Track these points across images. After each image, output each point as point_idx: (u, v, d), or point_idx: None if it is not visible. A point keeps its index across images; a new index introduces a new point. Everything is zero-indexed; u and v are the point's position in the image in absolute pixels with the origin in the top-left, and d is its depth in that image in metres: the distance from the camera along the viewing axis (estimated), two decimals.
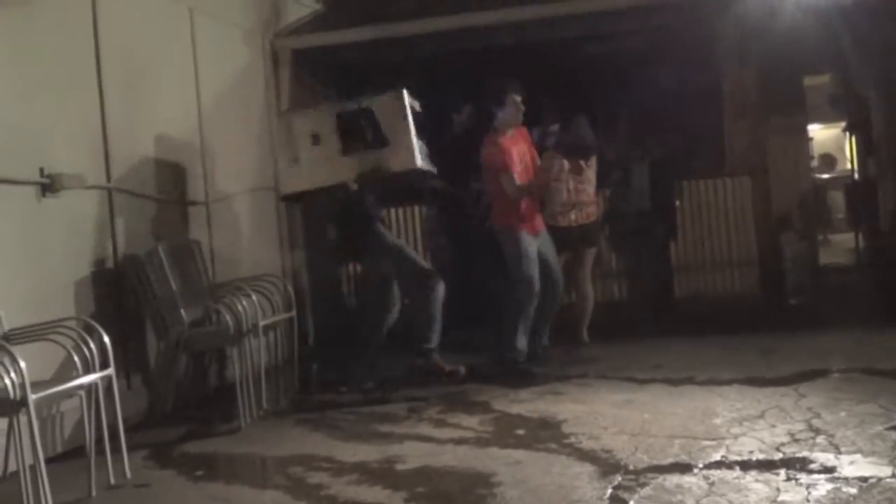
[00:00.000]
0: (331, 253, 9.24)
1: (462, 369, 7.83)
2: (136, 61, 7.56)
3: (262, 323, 7.21)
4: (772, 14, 9.27)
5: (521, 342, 8.07)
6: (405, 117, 7.68)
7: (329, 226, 8.74)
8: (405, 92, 7.72)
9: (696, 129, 11.16)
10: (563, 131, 9.39)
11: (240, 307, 7.07)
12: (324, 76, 10.53)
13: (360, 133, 7.64)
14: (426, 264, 8.01)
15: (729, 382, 7.05)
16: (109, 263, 7.09)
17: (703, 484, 4.87)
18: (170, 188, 7.96)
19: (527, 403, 6.98)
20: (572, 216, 9.12)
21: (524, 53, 10.45)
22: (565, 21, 9.70)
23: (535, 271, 8.05)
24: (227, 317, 7.05)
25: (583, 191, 9.18)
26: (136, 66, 7.57)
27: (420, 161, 7.73)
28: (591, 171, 9.23)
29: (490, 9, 9.74)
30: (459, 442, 6.12)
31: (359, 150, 7.64)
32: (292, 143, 7.72)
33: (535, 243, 8.18)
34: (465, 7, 9.77)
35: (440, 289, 7.75)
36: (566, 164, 8.85)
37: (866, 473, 4.83)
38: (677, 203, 10.43)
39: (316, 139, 7.66)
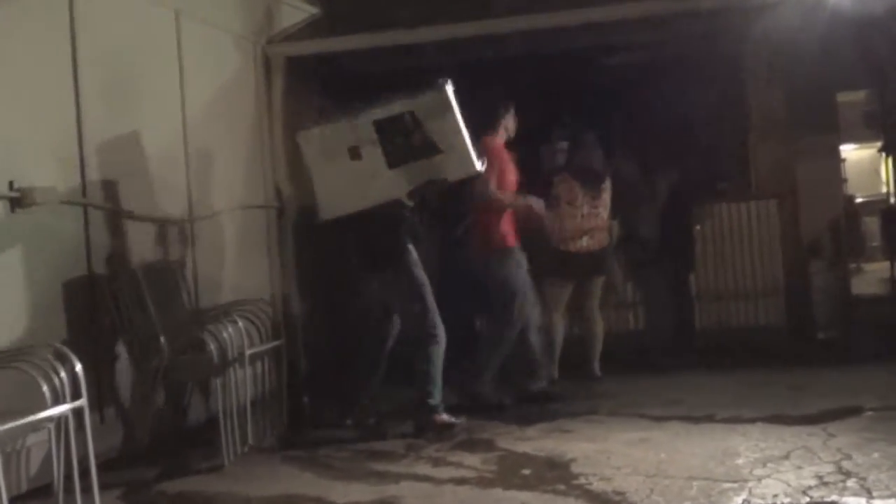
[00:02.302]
0: (346, 261, 9.07)
1: (460, 421, 7.68)
2: (116, 68, 7.53)
3: (248, 352, 7.16)
4: (802, 25, 9.23)
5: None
6: (454, 116, 7.46)
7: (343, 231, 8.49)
8: (449, 86, 7.50)
9: (719, 149, 11.17)
10: (573, 152, 9.37)
11: (225, 334, 7.02)
12: (320, 86, 10.52)
13: (405, 141, 7.42)
14: (436, 316, 7.70)
15: (752, 420, 7.02)
16: (84, 285, 7.02)
17: None
18: (151, 204, 7.92)
19: (533, 441, 6.95)
20: (584, 242, 9.11)
21: (536, 64, 10.47)
22: (580, 31, 9.67)
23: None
24: (211, 345, 7.00)
25: (596, 215, 9.18)
26: (117, 72, 7.54)
27: (480, 164, 7.61)
28: (606, 195, 9.22)
29: (500, 16, 9.71)
30: (460, 482, 6.07)
31: (407, 160, 7.43)
32: (326, 160, 7.44)
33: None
34: (474, 15, 9.75)
35: (443, 344, 7.65)
36: (579, 187, 8.89)
37: None
38: (698, 228, 10.39)
39: (355, 153, 7.40)
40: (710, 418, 7.22)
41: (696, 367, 9.23)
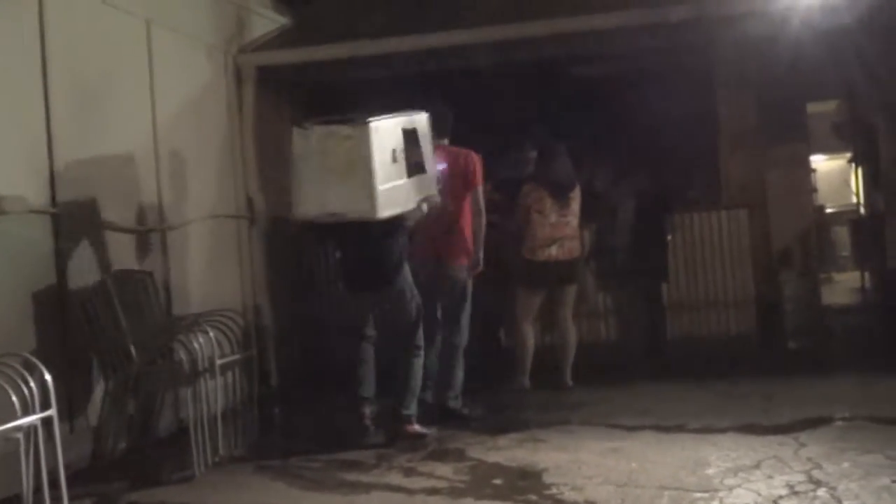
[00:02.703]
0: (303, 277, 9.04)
1: (430, 432, 7.67)
2: (86, 76, 7.52)
3: (219, 362, 7.15)
4: (772, 35, 9.29)
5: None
6: (428, 141, 7.68)
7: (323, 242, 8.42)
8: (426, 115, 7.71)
9: (690, 159, 11.23)
10: (541, 161, 9.38)
11: (196, 344, 7.01)
12: (291, 96, 10.52)
13: (413, 155, 7.48)
14: (422, 330, 7.75)
15: (723, 430, 7.04)
16: (53, 295, 7.01)
17: None
18: (121, 214, 7.90)
19: (505, 451, 6.95)
20: (552, 251, 9.13)
21: (507, 74, 10.50)
22: (550, 41, 9.69)
23: None
24: (182, 354, 6.99)
25: (566, 224, 9.20)
26: (87, 81, 7.53)
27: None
28: (575, 204, 9.24)
29: (471, 27, 9.73)
30: (432, 492, 6.08)
31: (413, 173, 7.47)
32: (378, 156, 7.16)
33: None
34: (445, 25, 9.77)
35: (422, 356, 7.70)
36: (548, 196, 8.93)
37: None
38: (669, 237, 10.42)
39: (394, 155, 7.31)
40: (681, 428, 7.24)
41: (668, 376, 9.23)
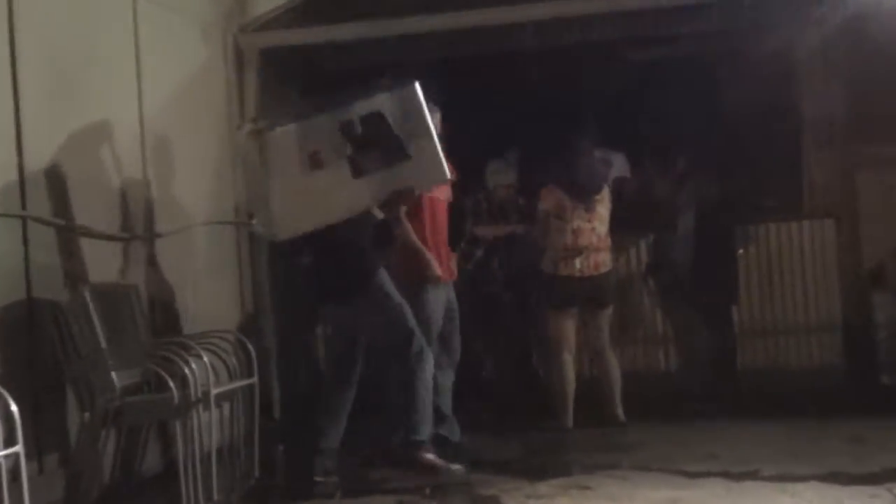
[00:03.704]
0: (302, 292, 9.06)
1: (455, 468, 7.63)
2: (62, 59, 7.54)
3: (214, 391, 7.16)
4: (865, 15, 9.25)
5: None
6: (424, 118, 7.53)
7: (300, 254, 8.45)
8: (417, 86, 7.56)
9: (766, 160, 11.17)
10: (562, 159, 9.38)
11: (187, 371, 7.03)
12: (298, 81, 10.55)
13: (372, 146, 7.38)
14: (421, 339, 7.72)
15: (804, 479, 6.99)
16: (22, 311, 7.02)
17: None
18: (103, 218, 7.93)
19: (546, 500, 6.94)
20: (577, 265, 9.11)
21: (549, 59, 10.49)
22: (600, 21, 9.71)
23: None
24: (171, 383, 7.00)
25: (591, 231, 9.17)
26: (63, 65, 7.55)
27: (448, 172, 7.70)
28: (602, 209, 9.22)
29: (507, 4, 9.74)
30: None
31: (375, 168, 7.39)
32: (281, 169, 7.26)
33: None
34: (476, 2, 9.78)
35: (429, 367, 7.66)
36: (567, 199, 8.94)
37: None
38: (740, 252, 10.39)
39: (316, 161, 7.27)
40: (753, 475, 7.20)
41: (738, 414, 9.20)
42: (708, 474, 7.31)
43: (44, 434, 7.00)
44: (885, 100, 10.45)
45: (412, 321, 7.63)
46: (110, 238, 8.01)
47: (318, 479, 7.57)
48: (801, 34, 10.46)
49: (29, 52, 7.15)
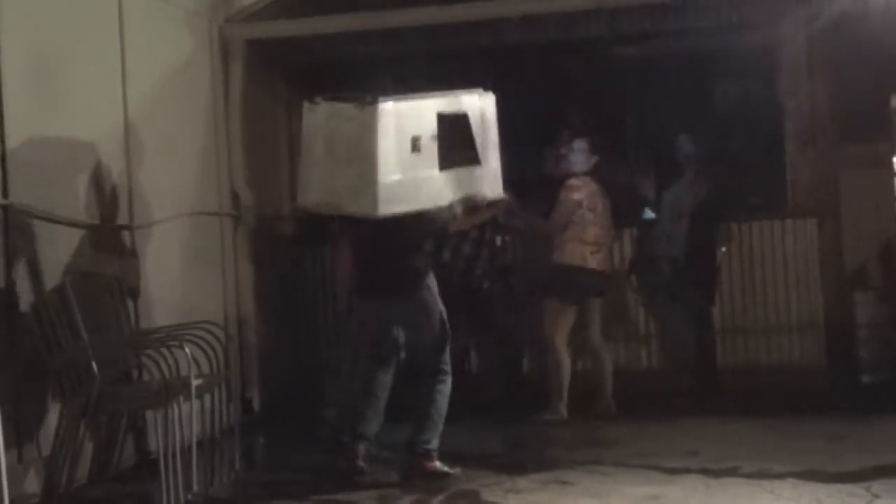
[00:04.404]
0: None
1: (455, 472, 7.59)
2: (46, 48, 7.53)
3: (195, 382, 7.12)
4: (850, 14, 9.25)
5: None
6: (493, 129, 7.57)
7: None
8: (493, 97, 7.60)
9: (749, 158, 11.17)
10: (592, 155, 9.42)
11: (168, 362, 7.00)
12: (286, 74, 10.53)
13: (457, 144, 7.37)
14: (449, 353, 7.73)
15: (782, 476, 7.00)
16: (2, 301, 7.01)
17: None
18: (85, 208, 7.91)
19: (526, 494, 6.95)
20: (599, 257, 9.24)
21: (539, 55, 10.49)
22: (590, 17, 9.71)
23: None
24: (152, 373, 6.98)
25: (611, 228, 9.29)
26: (47, 54, 7.54)
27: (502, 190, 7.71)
28: (602, 204, 9.31)
29: None
30: None
31: (455, 165, 7.36)
32: (387, 143, 7.05)
33: None
34: None
35: (450, 384, 7.66)
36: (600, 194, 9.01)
37: None
38: (723, 250, 10.39)
39: (415, 144, 7.18)
40: (732, 472, 7.21)
41: (718, 411, 9.20)
42: (688, 471, 7.31)
43: (23, 424, 7.00)
44: (868, 100, 10.46)
45: (447, 335, 7.64)
46: (93, 228, 7.99)
47: (360, 463, 7.58)
48: (786, 33, 10.46)
49: (13, 41, 7.14)
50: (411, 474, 7.43)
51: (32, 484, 7.01)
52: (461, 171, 7.42)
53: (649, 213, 10.47)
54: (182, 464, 7.02)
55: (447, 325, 7.65)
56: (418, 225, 7.39)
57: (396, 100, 7.15)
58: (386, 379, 7.78)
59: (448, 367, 7.64)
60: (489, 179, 7.60)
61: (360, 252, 7.78)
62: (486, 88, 7.66)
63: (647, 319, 10.58)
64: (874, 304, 10.50)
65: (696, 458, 7.61)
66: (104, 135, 8.17)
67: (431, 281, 7.65)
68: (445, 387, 7.61)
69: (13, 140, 7.11)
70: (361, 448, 7.62)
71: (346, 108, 7.16)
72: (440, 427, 7.57)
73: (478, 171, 7.51)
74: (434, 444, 7.52)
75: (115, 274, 8.00)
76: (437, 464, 7.49)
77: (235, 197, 9.93)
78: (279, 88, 10.58)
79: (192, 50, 9.54)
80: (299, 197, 7.48)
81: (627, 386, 9.68)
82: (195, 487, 7.21)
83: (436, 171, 7.27)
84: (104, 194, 8.15)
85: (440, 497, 6.99)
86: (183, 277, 9.11)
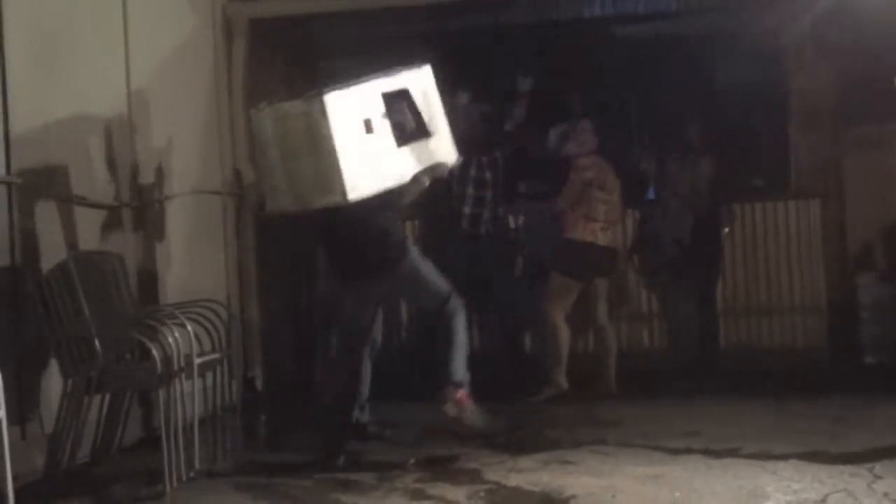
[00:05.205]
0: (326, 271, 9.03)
1: (487, 416, 7.65)
2: (48, 25, 7.51)
3: (197, 360, 7.15)
4: None
5: None
6: (437, 98, 7.71)
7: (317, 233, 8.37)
8: (430, 69, 7.73)
9: (753, 139, 11.16)
10: (604, 133, 9.45)
11: (170, 339, 7.01)
12: (289, 53, 10.51)
13: (406, 120, 7.55)
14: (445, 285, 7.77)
15: (784, 457, 6.99)
16: (7, 278, 7.01)
17: None
18: (88, 186, 7.90)
19: (528, 474, 6.92)
20: (609, 235, 9.29)
21: (543, 34, 10.47)
22: None
23: None
24: (154, 351, 6.98)
25: (620, 206, 9.32)
26: (49, 30, 7.51)
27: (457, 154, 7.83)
28: (612, 182, 9.33)
29: None
30: None
31: (411, 140, 7.50)
32: (342, 130, 7.17)
33: None
34: None
35: (464, 319, 7.69)
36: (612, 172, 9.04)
37: None
38: (726, 231, 10.39)
39: (368, 126, 7.32)
40: (734, 453, 7.20)
41: (721, 392, 9.21)
42: (689, 451, 7.31)
43: (26, 400, 7.00)
44: (872, 81, 10.45)
45: (446, 284, 7.68)
46: (96, 206, 7.99)
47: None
48: (791, 15, 10.44)
49: (16, 19, 7.11)
50: (443, 401, 7.41)
51: (35, 460, 7.01)
52: (417, 145, 7.55)
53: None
54: (184, 441, 7.04)
55: (438, 274, 7.71)
56: (388, 202, 7.45)
57: (340, 87, 7.25)
58: (370, 361, 7.88)
59: (457, 302, 7.63)
60: (444, 146, 7.73)
61: (337, 241, 7.82)
62: (428, 65, 7.79)
63: (649, 299, 10.58)
64: (877, 286, 10.50)
65: (698, 439, 7.61)
66: (107, 113, 8.17)
67: (412, 248, 7.79)
68: (461, 318, 7.63)
69: (17, 118, 7.09)
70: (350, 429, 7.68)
71: (293, 106, 7.31)
72: (464, 360, 7.58)
73: (432, 141, 7.64)
74: (459, 375, 7.52)
75: (118, 252, 8.00)
76: (465, 394, 7.49)
77: (238, 175, 9.92)
78: (282, 67, 10.55)
79: (195, 28, 9.52)
80: (267, 205, 7.61)
81: (630, 366, 9.68)
82: (197, 465, 7.22)
83: (394, 148, 7.41)
84: (107, 172, 8.15)
85: (442, 476, 6.99)
86: (186, 255, 9.10)
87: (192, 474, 7.10)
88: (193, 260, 9.21)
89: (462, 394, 7.46)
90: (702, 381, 9.62)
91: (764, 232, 10.59)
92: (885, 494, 6.06)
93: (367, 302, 7.80)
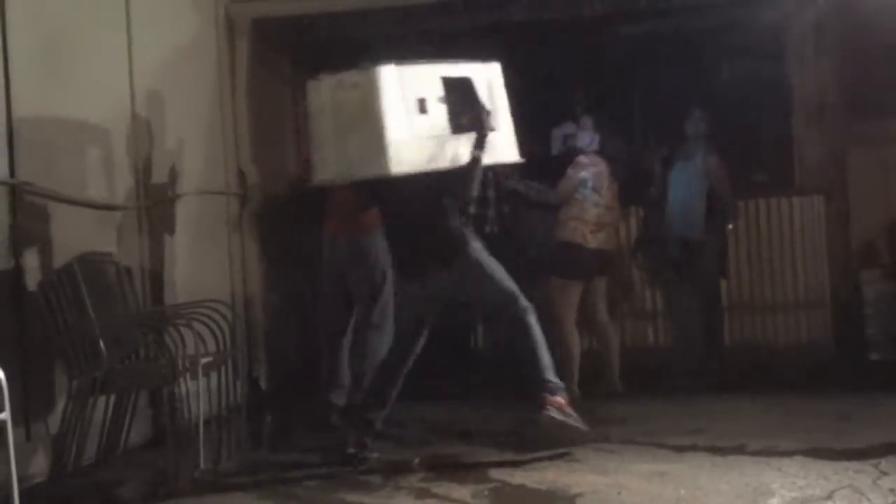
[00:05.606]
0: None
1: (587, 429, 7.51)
2: (52, 25, 7.51)
3: (202, 361, 7.15)
4: None
5: None
6: (503, 95, 7.63)
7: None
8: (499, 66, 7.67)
9: (756, 135, 11.15)
10: (604, 134, 9.43)
11: (175, 339, 7.01)
12: (291, 53, 10.51)
13: (463, 108, 7.40)
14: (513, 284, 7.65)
15: (789, 454, 6.99)
16: (10, 280, 7.00)
17: None
18: (92, 187, 7.90)
19: (533, 472, 6.93)
20: (601, 237, 9.23)
21: (545, 33, 10.47)
22: None
23: None
24: (159, 352, 6.98)
25: (616, 209, 9.30)
26: (53, 31, 7.52)
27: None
28: (615, 188, 9.31)
29: None
30: None
31: (466, 130, 7.37)
32: (393, 104, 7.09)
33: None
34: None
35: (532, 310, 7.57)
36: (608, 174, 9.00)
37: None
38: (730, 227, 10.38)
39: (422, 106, 7.23)
40: (739, 450, 7.20)
41: (725, 389, 9.21)
42: (695, 448, 7.31)
43: (31, 402, 7.00)
44: (876, 77, 10.44)
45: (512, 283, 7.58)
46: (100, 207, 7.99)
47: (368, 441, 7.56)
48: (794, 10, 10.43)
49: (19, 20, 7.11)
50: (544, 407, 7.29)
51: (41, 462, 7.02)
52: (474, 137, 7.41)
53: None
54: (190, 441, 7.04)
55: (504, 273, 7.58)
56: (442, 186, 7.38)
57: (399, 63, 7.20)
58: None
59: (525, 301, 7.51)
60: (506, 145, 7.65)
61: (397, 228, 7.76)
62: (497, 62, 7.73)
63: (653, 297, 10.57)
64: (881, 282, 10.48)
65: (704, 436, 7.61)
66: (110, 113, 8.17)
67: (472, 235, 7.60)
68: (533, 319, 7.49)
69: (20, 119, 7.08)
70: (375, 427, 7.63)
71: (349, 76, 7.24)
72: (548, 360, 7.47)
73: (493, 137, 7.50)
74: (553, 376, 7.42)
75: (123, 253, 8.00)
76: (562, 399, 7.37)
77: (241, 175, 9.93)
78: (285, 67, 10.56)
79: (198, 28, 9.53)
80: (317, 176, 7.48)
81: (634, 363, 9.67)
82: (202, 465, 7.22)
83: (447, 134, 7.31)
84: (111, 173, 8.15)
85: (447, 475, 6.99)
86: (190, 256, 9.10)
87: (196, 475, 7.10)
88: (197, 260, 9.21)
89: (562, 397, 7.39)
90: (707, 378, 9.61)
91: (768, 228, 10.58)
92: (891, 490, 6.06)
93: (430, 299, 7.67)
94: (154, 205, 8.61)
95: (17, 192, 7.06)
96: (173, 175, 8.94)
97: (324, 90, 7.32)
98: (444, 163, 7.28)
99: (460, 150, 7.36)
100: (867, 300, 10.46)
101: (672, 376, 9.75)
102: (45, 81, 7.36)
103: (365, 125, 7.08)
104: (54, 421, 7.20)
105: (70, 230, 7.58)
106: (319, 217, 8.67)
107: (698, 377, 9.63)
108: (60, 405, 7.22)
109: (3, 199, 6.99)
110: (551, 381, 7.39)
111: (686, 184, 10.01)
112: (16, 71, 7.05)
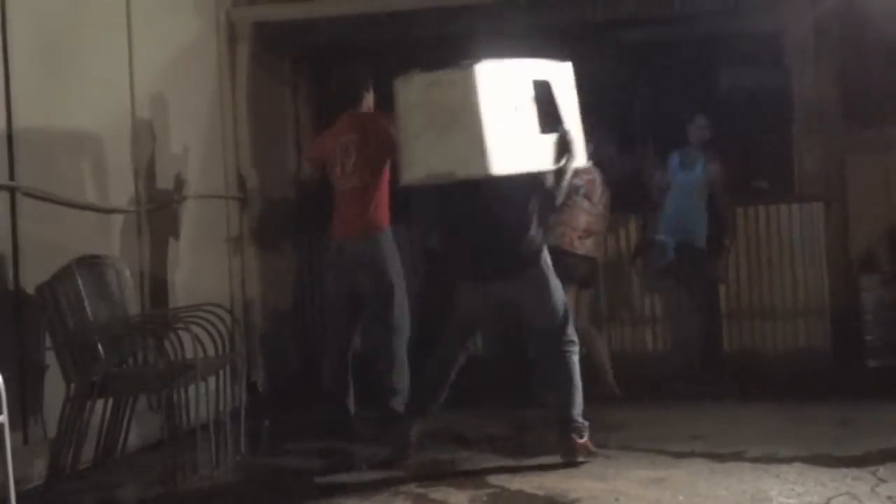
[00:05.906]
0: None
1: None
2: (53, 29, 7.52)
3: (202, 364, 7.14)
4: None
5: None
6: (575, 98, 7.55)
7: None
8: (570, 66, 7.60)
9: (755, 142, 11.13)
10: (599, 141, 9.42)
11: (173, 343, 7.00)
12: (292, 58, 10.51)
13: (548, 109, 7.29)
14: (568, 309, 7.63)
15: (788, 460, 6.99)
16: (9, 284, 7.03)
17: None
18: (92, 190, 7.90)
19: (531, 477, 6.92)
20: (589, 244, 9.21)
21: (545, 38, 10.46)
22: (591, 1, 9.70)
23: None
24: (157, 355, 6.97)
25: (604, 217, 9.30)
26: (54, 35, 7.53)
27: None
28: (606, 196, 9.31)
29: None
30: None
31: (550, 131, 7.25)
32: (492, 102, 6.96)
33: None
34: None
35: (577, 344, 7.55)
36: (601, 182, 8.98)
37: None
38: (727, 244, 10.36)
39: (517, 106, 7.12)
40: (737, 456, 7.19)
41: (724, 395, 9.19)
42: (693, 455, 7.30)
43: (28, 405, 7.01)
44: (875, 84, 10.44)
45: (566, 306, 7.55)
46: (99, 210, 7.99)
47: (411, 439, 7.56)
48: (794, 18, 10.42)
49: (20, 23, 7.12)
50: (568, 451, 7.26)
51: (38, 466, 7.01)
52: (553, 138, 7.33)
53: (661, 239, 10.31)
54: (188, 445, 7.04)
55: (565, 301, 7.54)
56: (521, 189, 7.28)
57: (494, 62, 7.10)
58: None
59: (572, 333, 7.47)
60: (577, 147, 7.49)
61: (462, 231, 7.53)
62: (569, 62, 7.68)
63: (652, 303, 10.56)
64: (880, 288, 10.47)
65: (702, 442, 7.60)
66: (111, 116, 8.18)
67: (546, 254, 7.50)
68: (576, 356, 7.45)
69: (20, 122, 7.09)
70: (416, 428, 7.60)
71: (445, 74, 7.10)
72: (581, 399, 7.40)
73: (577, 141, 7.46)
74: (579, 415, 7.35)
75: (122, 256, 7.99)
76: (587, 441, 7.34)
77: (241, 179, 9.93)
78: (285, 71, 10.56)
79: (199, 33, 9.53)
80: (404, 175, 7.29)
81: (633, 370, 9.66)
82: (200, 469, 7.21)
83: (537, 134, 7.20)
84: (111, 176, 8.15)
85: (445, 480, 6.98)
86: (189, 260, 9.11)
87: (194, 479, 7.09)
88: (197, 264, 9.21)
89: (587, 443, 7.33)
90: (705, 384, 9.61)
91: (767, 235, 10.56)
92: (889, 497, 6.06)
93: (486, 306, 7.60)
94: (156, 208, 8.61)
95: (16, 195, 7.06)
96: (179, 179, 8.94)
97: (415, 87, 7.17)
98: (535, 165, 7.20)
99: (546, 151, 7.25)
100: (866, 307, 10.44)
101: (670, 382, 9.74)
102: (45, 84, 7.37)
103: (462, 124, 6.94)
104: (52, 424, 7.20)
105: (70, 233, 7.59)
106: (323, 223, 8.66)
107: (697, 383, 9.63)
108: (58, 408, 7.21)
109: (5, 203, 7.01)
110: (579, 422, 7.33)
111: (687, 190, 10.01)
112: (16, 74, 7.07)
